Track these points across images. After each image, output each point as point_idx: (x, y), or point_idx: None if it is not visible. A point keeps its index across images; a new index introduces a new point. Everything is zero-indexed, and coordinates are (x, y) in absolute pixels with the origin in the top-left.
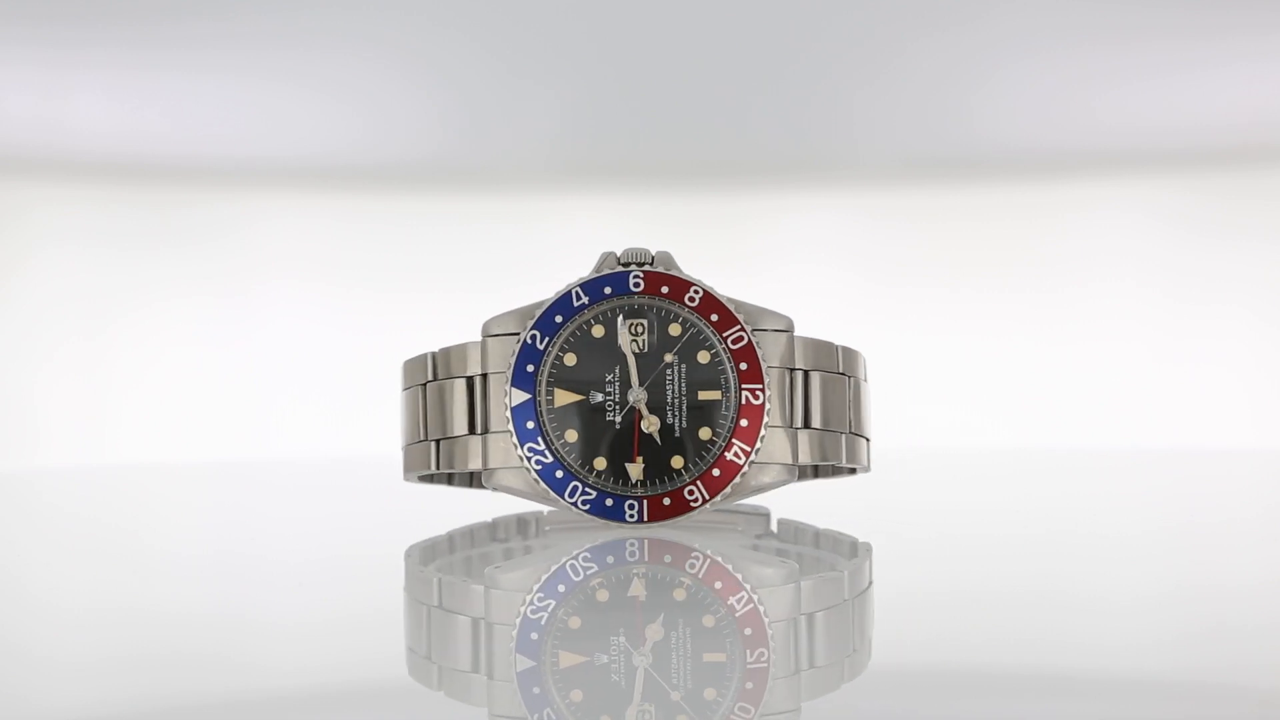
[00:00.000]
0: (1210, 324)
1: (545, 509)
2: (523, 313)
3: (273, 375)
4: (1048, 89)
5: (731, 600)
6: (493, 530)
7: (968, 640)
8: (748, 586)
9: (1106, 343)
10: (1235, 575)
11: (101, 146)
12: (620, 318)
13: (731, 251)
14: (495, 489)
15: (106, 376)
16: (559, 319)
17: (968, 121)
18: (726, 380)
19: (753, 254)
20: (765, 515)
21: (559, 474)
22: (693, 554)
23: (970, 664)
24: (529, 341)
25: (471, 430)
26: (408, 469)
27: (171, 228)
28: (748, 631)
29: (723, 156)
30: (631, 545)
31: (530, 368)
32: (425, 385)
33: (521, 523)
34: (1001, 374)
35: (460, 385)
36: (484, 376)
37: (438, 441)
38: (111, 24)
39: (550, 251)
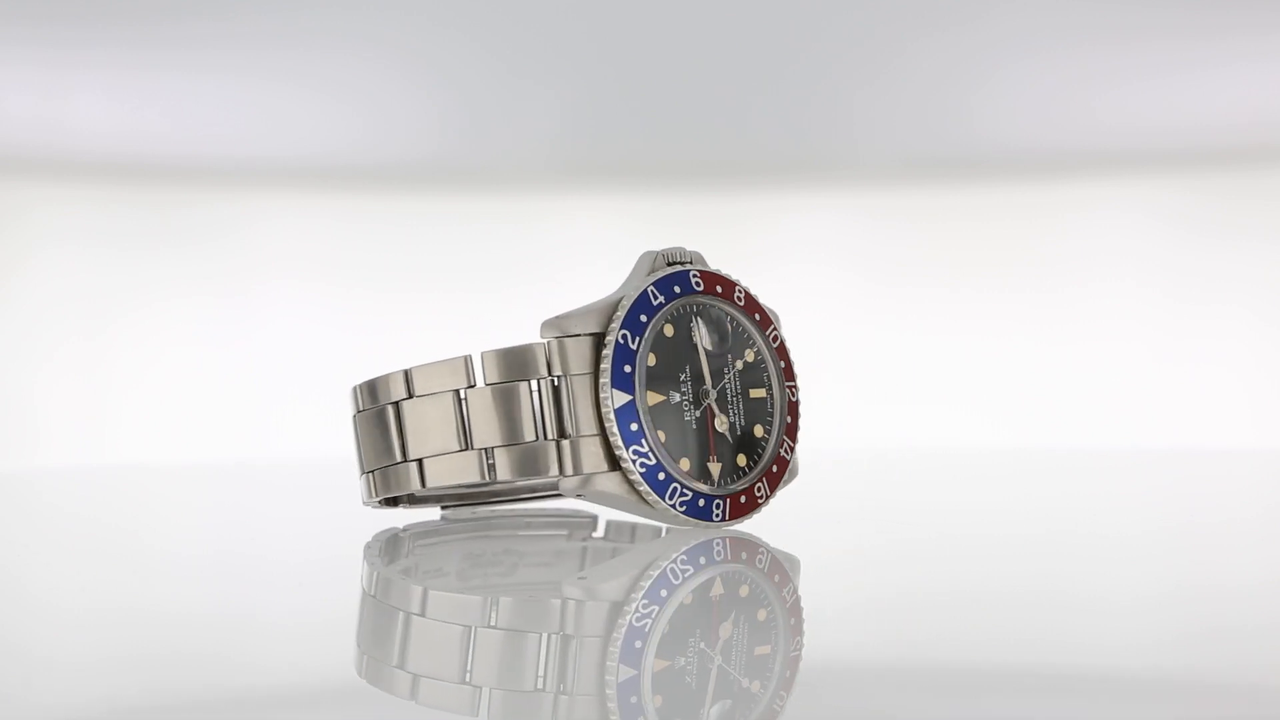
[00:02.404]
0: (1210, 324)
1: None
2: (595, 312)
3: (273, 375)
4: (1048, 89)
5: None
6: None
7: (968, 640)
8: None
9: (1106, 343)
10: (1235, 575)
11: (101, 146)
12: (694, 316)
13: (731, 251)
14: (582, 496)
15: (106, 376)
16: (643, 318)
17: (968, 121)
18: (769, 378)
19: (753, 254)
20: (593, 519)
21: (661, 476)
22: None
23: (971, 664)
24: (621, 342)
25: (545, 436)
26: (434, 481)
27: (171, 228)
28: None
29: (723, 156)
30: (717, 545)
31: (627, 368)
32: (464, 390)
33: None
34: (1001, 374)
35: (524, 389)
36: (562, 378)
37: (484, 452)
38: (111, 24)
39: (550, 251)
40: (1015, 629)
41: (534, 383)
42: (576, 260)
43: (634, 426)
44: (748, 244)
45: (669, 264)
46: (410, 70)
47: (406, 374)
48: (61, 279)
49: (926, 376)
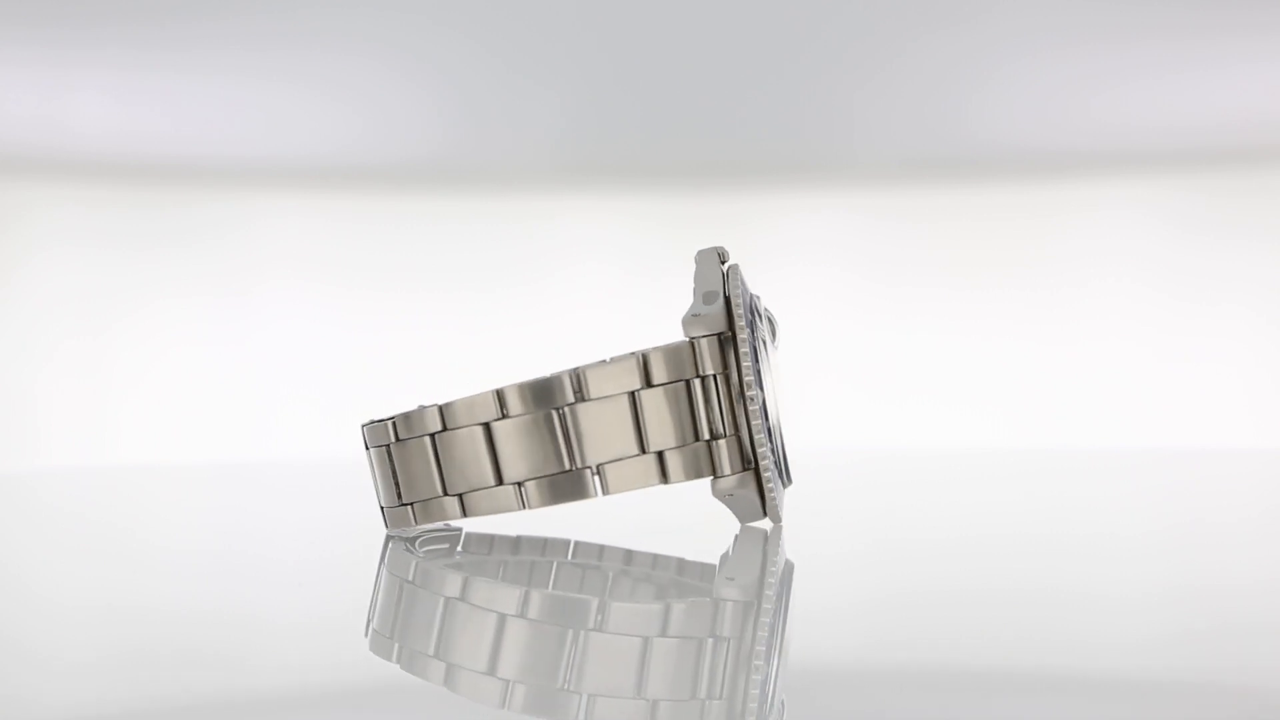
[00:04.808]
0: (1210, 323)
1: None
2: (714, 312)
3: (273, 375)
4: (1047, 89)
5: None
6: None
7: (968, 640)
8: None
9: (1107, 343)
10: (1236, 575)
11: (101, 146)
12: (759, 317)
13: (731, 251)
14: (732, 497)
15: (106, 376)
16: (745, 319)
17: (967, 121)
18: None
19: (753, 254)
20: (458, 533)
21: (767, 474)
22: None
23: (971, 664)
24: (753, 343)
25: (708, 435)
26: (617, 488)
27: (172, 228)
28: None
29: (723, 156)
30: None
31: (759, 368)
32: (639, 393)
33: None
34: (1001, 374)
35: (681, 389)
36: (712, 377)
37: (660, 454)
38: (112, 24)
39: (550, 251)
40: (1015, 628)
41: (695, 382)
42: (576, 260)
43: (767, 425)
44: (748, 244)
45: (721, 261)
46: (410, 70)
47: (577, 375)
48: (61, 279)
49: (926, 376)
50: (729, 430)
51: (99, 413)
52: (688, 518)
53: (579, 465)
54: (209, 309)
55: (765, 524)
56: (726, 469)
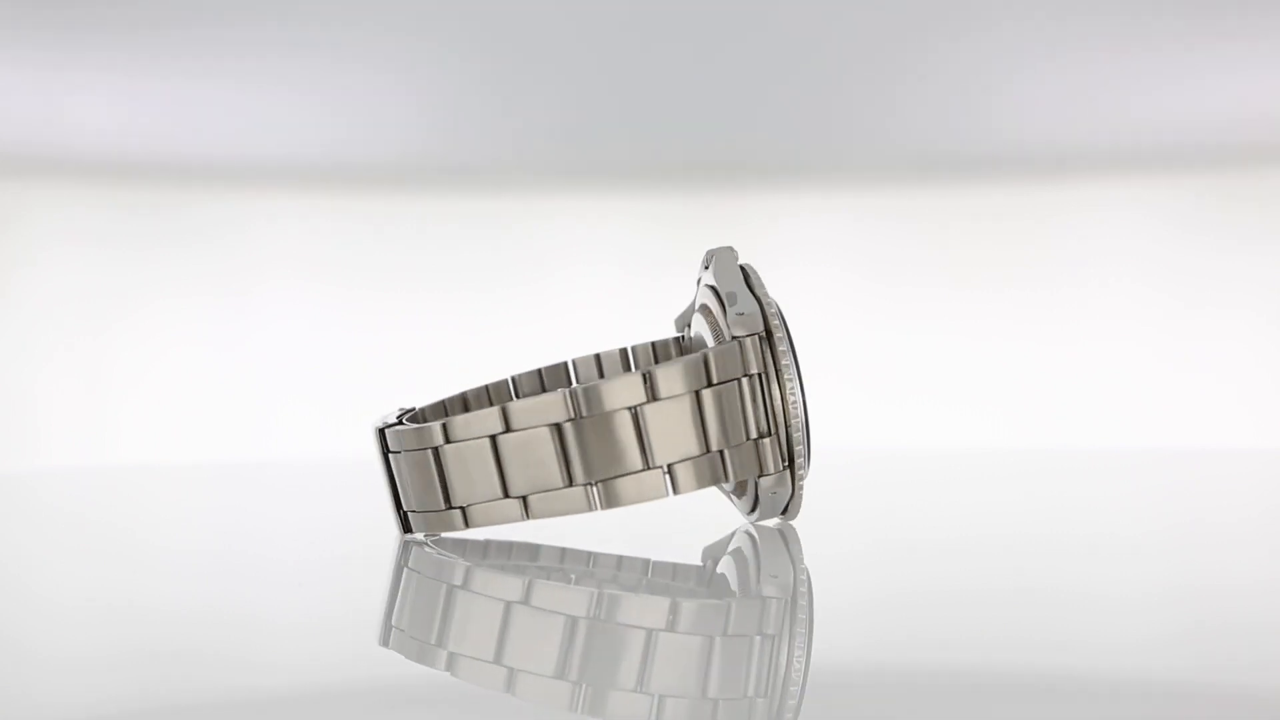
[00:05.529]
0: (1211, 324)
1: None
2: (755, 312)
3: (272, 375)
4: (1049, 91)
5: None
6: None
7: (967, 639)
8: None
9: (1107, 343)
10: (1236, 575)
11: (101, 146)
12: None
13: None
14: (776, 495)
15: (106, 376)
16: (779, 319)
17: (968, 122)
18: None
19: (753, 254)
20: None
21: (802, 474)
22: None
23: (970, 663)
24: (790, 341)
25: (761, 434)
26: (683, 488)
27: (172, 228)
28: None
29: (723, 156)
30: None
31: (797, 366)
32: (701, 392)
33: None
34: (1002, 374)
35: (733, 389)
36: (757, 377)
37: (721, 453)
38: (112, 26)
39: (550, 252)
40: (1015, 628)
41: (744, 381)
42: (576, 260)
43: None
44: (748, 244)
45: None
46: (410, 71)
47: (648, 376)
48: (61, 279)
49: (926, 376)
50: (771, 428)
51: (99, 413)
52: (662, 522)
53: (651, 466)
54: (209, 309)
55: (770, 521)
56: (771, 467)
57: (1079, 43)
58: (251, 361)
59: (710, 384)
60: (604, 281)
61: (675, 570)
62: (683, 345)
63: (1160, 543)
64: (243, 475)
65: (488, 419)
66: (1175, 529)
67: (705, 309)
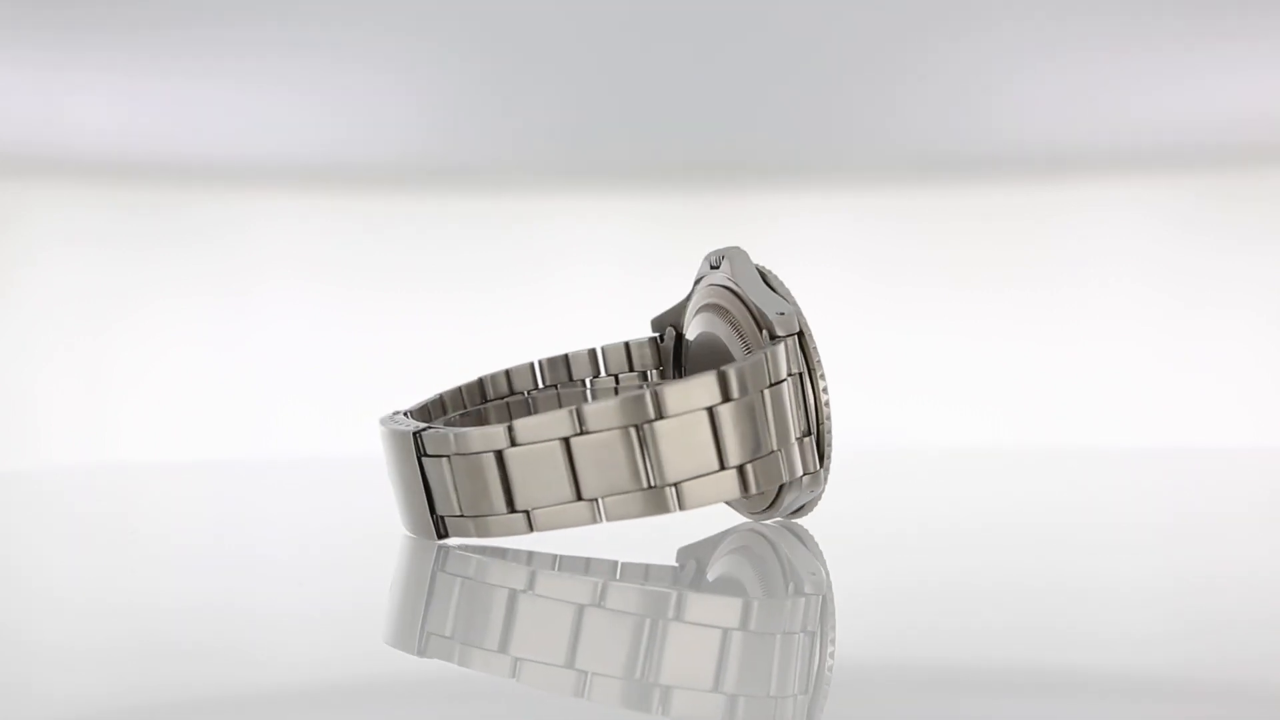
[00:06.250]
0: (1211, 324)
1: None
2: (792, 313)
3: (272, 375)
4: (1049, 90)
5: None
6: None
7: (967, 638)
8: None
9: (1106, 343)
10: (1235, 575)
11: (101, 146)
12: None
13: None
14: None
15: (106, 376)
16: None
17: (968, 122)
18: None
19: (753, 254)
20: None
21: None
22: None
23: (970, 661)
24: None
25: (802, 434)
26: (693, 503)
27: (171, 228)
28: None
29: (723, 156)
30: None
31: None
32: (764, 391)
33: None
34: (1002, 374)
35: (782, 390)
36: (799, 376)
37: (743, 465)
38: (112, 26)
39: (551, 252)
40: (1016, 626)
41: (786, 382)
42: (576, 260)
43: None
44: (748, 244)
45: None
46: (410, 71)
47: (656, 394)
48: (61, 279)
49: (927, 376)
50: (809, 428)
51: (99, 412)
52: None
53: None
54: (209, 309)
55: (769, 521)
56: (811, 466)
57: (1079, 43)
58: (251, 361)
59: (771, 384)
60: (604, 281)
61: (670, 573)
62: (660, 347)
63: (1160, 541)
64: (243, 474)
65: (558, 421)
66: (1175, 528)
67: (719, 309)
